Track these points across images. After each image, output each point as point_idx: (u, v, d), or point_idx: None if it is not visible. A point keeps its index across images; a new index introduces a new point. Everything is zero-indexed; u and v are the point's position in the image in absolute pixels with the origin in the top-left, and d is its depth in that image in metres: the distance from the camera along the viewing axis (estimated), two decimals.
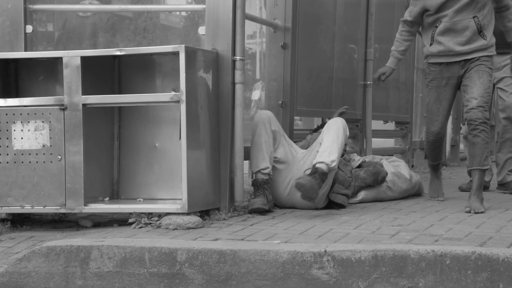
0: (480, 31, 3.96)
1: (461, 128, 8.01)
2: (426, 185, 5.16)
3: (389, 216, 3.73)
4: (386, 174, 4.40)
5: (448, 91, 4.05)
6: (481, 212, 3.78)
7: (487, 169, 3.99)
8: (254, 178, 3.85)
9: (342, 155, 4.15)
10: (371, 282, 2.72)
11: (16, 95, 3.86)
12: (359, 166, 4.41)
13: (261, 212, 3.77)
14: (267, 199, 3.83)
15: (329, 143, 3.80)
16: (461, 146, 8.17)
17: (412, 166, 6.79)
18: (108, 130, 3.91)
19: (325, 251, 2.78)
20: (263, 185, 3.82)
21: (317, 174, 3.70)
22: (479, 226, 3.38)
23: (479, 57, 3.98)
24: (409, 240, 3.01)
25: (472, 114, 3.82)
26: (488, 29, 4.00)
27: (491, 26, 4.01)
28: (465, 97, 3.97)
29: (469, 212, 3.79)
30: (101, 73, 3.83)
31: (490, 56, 4.01)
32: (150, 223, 3.48)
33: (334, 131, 3.84)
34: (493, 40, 4.03)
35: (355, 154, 4.73)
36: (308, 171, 3.76)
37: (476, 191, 3.90)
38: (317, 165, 3.73)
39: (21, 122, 3.58)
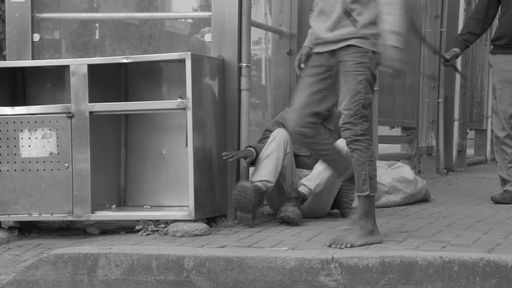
0: (348, 14, 3.11)
1: (467, 133, 7.99)
2: (433, 190, 5.17)
3: (396, 222, 3.72)
4: None
5: (314, 81, 3.18)
6: (350, 247, 3.01)
7: (368, 196, 3.09)
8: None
9: None
10: None
11: (24, 103, 3.88)
12: None
13: (246, 192, 3.53)
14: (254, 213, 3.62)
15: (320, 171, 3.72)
16: (468, 151, 8.16)
17: (419, 171, 6.78)
18: (115, 137, 3.92)
19: (332, 258, 2.78)
20: (262, 192, 3.64)
21: (300, 200, 3.69)
22: (487, 232, 3.37)
23: (345, 47, 3.11)
24: (416, 247, 3.01)
25: (342, 133, 3.14)
26: (363, 13, 3.10)
27: (368, 11, 3.11)
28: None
29: (330, 246, 3.03)
30: (107, 81, 3.85)
31: (363, 49, 3.09)
32: (157, 230, 3.48)
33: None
34: (372, 29, 3.11)
35: None
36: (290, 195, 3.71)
37: (357, 219, 3.12)
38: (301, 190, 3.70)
39: (29, 130, 3.59)
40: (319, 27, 3.18)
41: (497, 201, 4.58)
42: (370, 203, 3.10)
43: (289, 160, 3.80)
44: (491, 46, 4.82)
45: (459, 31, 7.25)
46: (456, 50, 4.75)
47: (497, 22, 4.79)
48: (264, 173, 3.67)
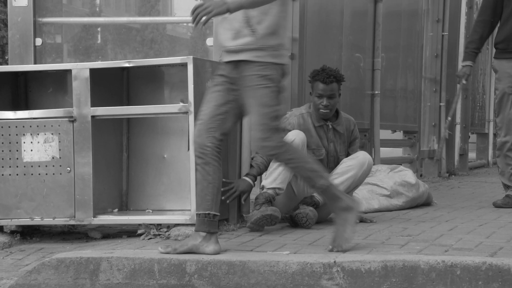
0: (248, 23, 2.96)
1: (469, 137, 7.99)
2: (435, 194, 5.16)
3: (398, 226, 3.72)
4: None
5: (220, 90, 3.07)
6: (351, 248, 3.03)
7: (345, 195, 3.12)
8: (264, 190, 3.71)
9: None
10: None
11: (26, 107, 3.88)
12: None
13: (273, 220, 3.61)
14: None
15: (345, 178, 3.75)
16: (470, 155, 8.16)
17: (421, 175, 6.77)
18: (117, 142, 3.92)
19: (334, 261, 2.78)
20: (271, 200, 3.69)
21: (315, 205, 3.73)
22: (489, 236, 3.37)
23: (245, 61, 3.00)
24: (419, 251, 3.00)
25: (260, 151, 3.16)
26: (262, 21, 2.96)
27: (268, 19, 2.96)
28: None
29: (331, 250, 3.03)
30: (109, 85, 3.85)
31: (263, 62, 2.98)
32: (159, 234, 3.48)
33: (356, 168, 3.77)
34: (272, 40, 2.98)
35: None
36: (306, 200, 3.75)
37: (336, 212, 3.11)
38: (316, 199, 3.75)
39: (31, 134, 3.60)
40: (223, 35, 3.06)
41: (498, 206, 4.57)
42: (332, 189, 3.06)
43: None
44: (494, 50, 4.80)
45: (460, 35, 7.27)
46: (469, 63, 4.75)
47: (500, 24, 4.76)
48: (279, 180, 3.67)
